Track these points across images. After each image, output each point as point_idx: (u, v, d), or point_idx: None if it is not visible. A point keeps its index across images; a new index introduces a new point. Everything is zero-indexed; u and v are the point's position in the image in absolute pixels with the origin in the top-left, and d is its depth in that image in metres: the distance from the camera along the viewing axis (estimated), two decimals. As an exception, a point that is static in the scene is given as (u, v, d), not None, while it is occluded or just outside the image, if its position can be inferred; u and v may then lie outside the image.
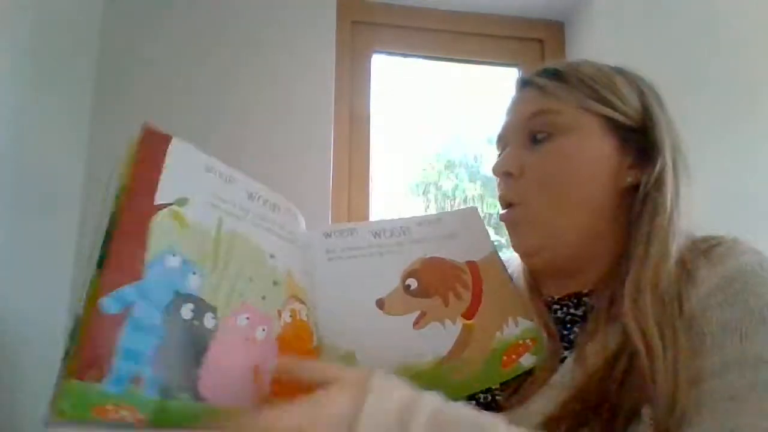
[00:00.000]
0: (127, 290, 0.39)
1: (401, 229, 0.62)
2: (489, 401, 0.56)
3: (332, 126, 1.28)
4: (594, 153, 0.55)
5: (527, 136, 0.58)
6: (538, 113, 0.57)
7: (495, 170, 0.60)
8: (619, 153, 0.56)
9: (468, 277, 0.60)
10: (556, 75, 0.58)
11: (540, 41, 1.50)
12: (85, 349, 0.36)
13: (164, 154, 0.46)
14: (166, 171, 0.45)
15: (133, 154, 0.45)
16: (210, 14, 1.28)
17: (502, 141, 0.62)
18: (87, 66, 1.18)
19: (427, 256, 0.61)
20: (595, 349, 0.50)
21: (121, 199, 0.43)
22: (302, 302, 0.53)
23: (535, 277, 0.63)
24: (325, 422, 0.39)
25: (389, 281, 0.59)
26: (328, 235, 0.61)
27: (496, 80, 1.55)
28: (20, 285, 0.89)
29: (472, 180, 1.60)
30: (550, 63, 0.62)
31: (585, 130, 0.56)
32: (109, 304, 0.38)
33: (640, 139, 0.56)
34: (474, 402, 0.56)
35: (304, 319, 0.53)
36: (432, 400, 0.42)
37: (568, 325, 0.57)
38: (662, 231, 0.51)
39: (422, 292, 0.58)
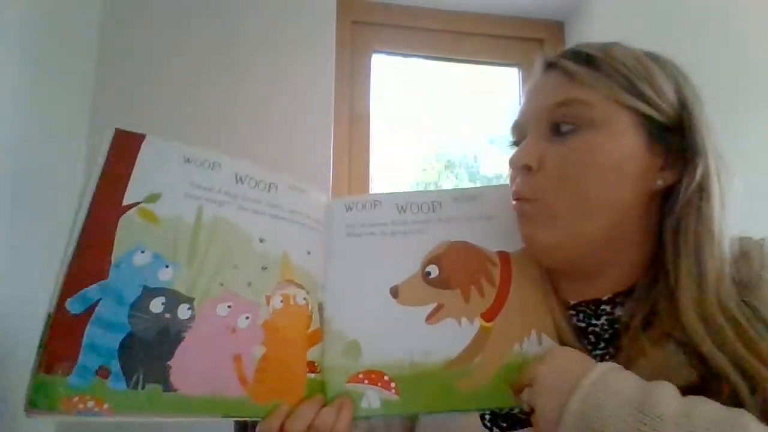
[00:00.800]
0: (91, 290, 0.43)
1: (432, 204, 0.57)
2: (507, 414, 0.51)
3: (332, 126, 1.28)
4: (623, 152, 0.49)
5: (550, 126, 0.52)
6: (565, 103, 0.51)
7: (513, 163, 0.53)
8: (650, 153, 0.50)
9: (496, 271, 0.54)
10: (587, 60, 0.51)
11: (540, 41, 1.50)
12: (52, 346, 0.41)
13: (135, 154, 0.48)
14: (137, 170, 0.48)
15: (103, 157, 0.47)
16: (210, 14, 1.27)
17: (520, 128, 0.56)
18: (87, 66, 1.18)
19: (455, 240, 0.55)
20: (640, 374, 0.44)
21: (91, 201, 0.46)
22: (299, 286, 0.52)
23: (549, 277, 0.57)
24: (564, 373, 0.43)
25: (409, 265, 0.54)
26: (349, 208, 0.57)
27: (496, 80, 1.56)
28: (20, 284, 0.89)
29: (472, 180, 1.60)
30: (580, 45, 0.54)
31: (615, 126, 0.49)
32: (73, 304, 0.42)
33: (674, 138, 0.50)
34: (489, 414, 0.51)
35: (301, 303, 0.52)
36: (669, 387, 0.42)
37: (590, 337, 0.52)
38: (715, 246, 0.46)
39: (442, 282, 0.53)
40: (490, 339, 0.51)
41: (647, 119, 0.50)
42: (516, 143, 0.56)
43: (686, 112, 0.50)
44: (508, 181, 0.56)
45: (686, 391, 0.42)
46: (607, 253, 0.51)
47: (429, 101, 1.56)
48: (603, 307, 0.52)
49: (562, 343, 0.51)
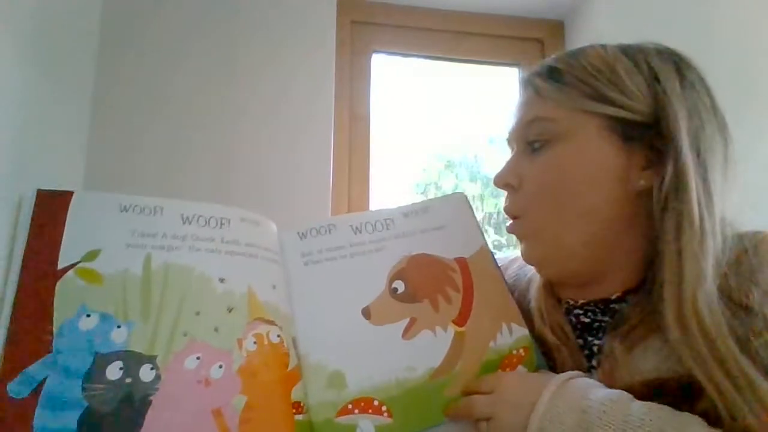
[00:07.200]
0: (34, 368, 0.38)
1: (385, 222, 0.57)
2: None
3: (332, 126, 1.28)
4: (593, 159, 0.49)
5: (526, 143, 0.54)
6: (533, 121, 0.53)
7: (495, 183, 0.56)
8: (627, 154, 0.49)
9: (458, 276, 0.56)
10: (552, 74, 0.52)
11: (540, 41, 1.50)
12: None
13: (65, 213, 0.45)
14: (68, 229, 0.44)
15: (26, 224, 0.43)
16: (209, 13, 1.27)
17: (510, 144, 0.59)
18: (87, 63, 1.18)
19: (414, 253, 0.56)
20: (623, 370, 0.46)
21: (20, 272, 0.41)
22: (270, 322, 0.48)
23: (553, 283, 0.58)
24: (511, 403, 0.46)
25: (374, 284, 0.54)
26: (303, 236, 0.55)
27: (496, 80, 1.55)
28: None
29: (472, 180, 1.60)
30: (551, 58, 0.55)
31: (581, 136, 0.50)
32: (14, 389, 0.37)
33: (653, 135, 0.49)
34: None
35: (275, 341, 0.48)
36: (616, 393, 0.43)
37: (595, 332, 0.52)
38: (691, 248, 0.44)
39: (410, 296, 0.54)
40: (466, 342, 0.53)
41: (619, 121, 0.49)
42: None
43: (659, 106, 0.48)
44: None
45: (678, 385, 0.43)
46: (602, 259, 0.51)
47: (429, 101, 1.56)
48: (612, 305, 0.52)
49: (562, 340, 0.52)
